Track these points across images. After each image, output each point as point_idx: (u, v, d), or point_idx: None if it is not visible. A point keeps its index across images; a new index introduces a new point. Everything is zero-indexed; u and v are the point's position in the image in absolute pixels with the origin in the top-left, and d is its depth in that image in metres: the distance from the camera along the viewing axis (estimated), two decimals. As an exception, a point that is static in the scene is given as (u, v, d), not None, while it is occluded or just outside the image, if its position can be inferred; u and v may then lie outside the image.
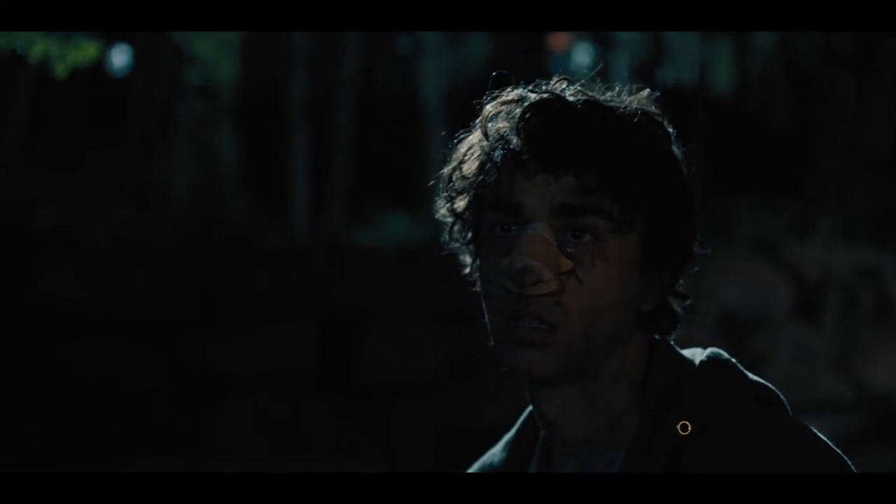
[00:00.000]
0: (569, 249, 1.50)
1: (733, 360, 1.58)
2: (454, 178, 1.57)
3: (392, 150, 12.40)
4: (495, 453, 1.68)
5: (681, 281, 1.60)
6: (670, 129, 1.59)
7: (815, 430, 1.47)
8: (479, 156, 1.54)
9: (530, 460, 1.64)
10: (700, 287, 10.56)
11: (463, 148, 1.57)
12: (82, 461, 7.97)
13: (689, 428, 1.46)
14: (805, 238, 12.05)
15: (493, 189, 1.51)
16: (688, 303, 1.61)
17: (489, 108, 1.57)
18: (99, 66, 13.54)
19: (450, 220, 1.58)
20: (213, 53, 12.23)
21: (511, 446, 1.66)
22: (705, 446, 1.45)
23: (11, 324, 9.09)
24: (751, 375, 1.56)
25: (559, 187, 1.49)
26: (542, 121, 1.51)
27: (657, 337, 1.60)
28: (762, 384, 1.54)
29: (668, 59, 14.08)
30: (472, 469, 1.68)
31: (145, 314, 9.61)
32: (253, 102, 12.86)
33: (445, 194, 1.58)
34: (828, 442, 1.46)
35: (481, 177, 1.53)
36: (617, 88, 1.60)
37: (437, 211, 1.59)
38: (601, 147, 1.50)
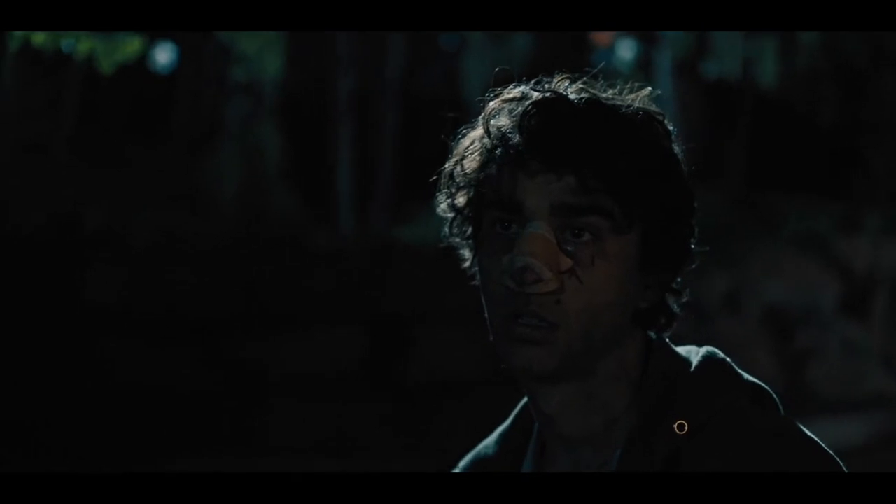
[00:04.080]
0: (569, 248, 1.49)
1: (728, 359, 1.58)
2: (455, 174, 1.56)
3: (436, 149, 12.42)
4: (489, 445, 1.69)
5: (679, 279, 1.59)
6: (671, 128, 1.57)
7: (808, 432, 1.48)
8: (480, 152, 1.54)
9: (524, 453, 1.64)
10: (746, 283, 10.51)
11: (465, 144, 1.56)
12: (129, 460, 8.03)
13: (686, 428, 1.48)
14: (853, 234, 11.98)
15: (494, 186, 1.51)
16: (684, 300, 1.60)
17: (492, 105, 1.56)
18: (143, 65, 13.60)
19: (450, 215, 1.58)
20: (258, 52, 12.74)
21: (505, 438, 1.67)
22: (703, 446, 1.47)
23: (60, 325, 9.17)
24: (745, 376, 1.57)
25: (560, 186, 1.48)
26: (543, 119, 1.51)
27: (654, 335, 1.59)
28: (757, 384, 1.56)
29: (712, 54, 14.02)
30: (466, 460, 1.70)
31: (192, 315, 9.67)
32: (298, 101, 12.98)
33: (446, 190, 1.57)
34: (820, 443, 1.48)
35: (482, 173, 1.53)
36: (619, 87, 1.56)
37: (438, 206, 1.59)
38: (602, 146, 1.49)
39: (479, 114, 1.56)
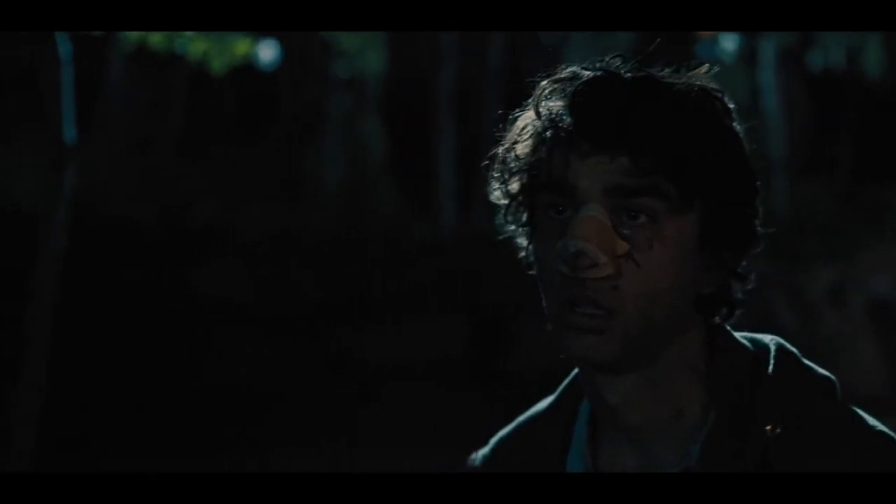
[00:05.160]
0: (625, 231, 1.44)
1: (795, 350, 1.53)
2: (508, 160, 1.50)
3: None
4: (533, 419, 1.63)
5: (744, 263, 1.52)
6: (730, 105, 1.51)
7: (877, 422, 1.45)
8: (532, 136, 1.48)
9: (571, 434, 1.58)
10: (851, 277, 10.40)
11: (516, 128, 1.51)
12: (240, 452, 8.16)
13: (777, 430, 1.44)
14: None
15: (546, 170, 1.46)
16: (749, 286, 1.54)
17: (543, 87, 1.50)
18: (248, 63, 13.69)
19: (504, 202, 1.52)
20: (360, 47, 12.40)
21: (550, 418, 1.60)
22: (793, 447, 1.43)
23: (172, 318, 9.34)
24: (817, 368, 1.52)
25: (613, 167, 1.43)
26: (595, 99, 1.45)
27: (716, 323, 1.53)
28: (827, 377, 1.52)
29: (816, 45, 13.87)
30: (509, 429, 1.65)
31: (297, 306, 9.79)
32: (399, 96, 12.96)
33: (499, 176, 1.51)
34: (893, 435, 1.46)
35: (534, 157, 1.47)
36: (675, 66, 1.50)
37: (491, 193, 1.53)
38: (656, 125, 1.43)
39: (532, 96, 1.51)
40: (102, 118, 11.62)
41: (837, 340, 10.26)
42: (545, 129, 1.47)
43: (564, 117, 1.45)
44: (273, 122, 13.42)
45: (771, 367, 1.49)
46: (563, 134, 1.45)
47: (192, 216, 10.57)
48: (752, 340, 1.53)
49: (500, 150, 1.51)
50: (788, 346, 1.53)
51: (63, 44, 4.34)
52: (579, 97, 1.46)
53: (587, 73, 1.48)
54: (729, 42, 14.21)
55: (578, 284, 1.43)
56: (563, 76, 1.49)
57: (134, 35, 4.35)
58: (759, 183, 1.51)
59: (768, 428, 1.43)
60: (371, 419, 8.94)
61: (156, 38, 4.32)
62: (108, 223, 9.73)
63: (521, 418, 1.63)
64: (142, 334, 9.09)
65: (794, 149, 13.88)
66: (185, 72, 11.76)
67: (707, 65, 1.51)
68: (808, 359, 1.53)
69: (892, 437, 1.45)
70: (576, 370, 1.57)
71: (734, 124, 1.49)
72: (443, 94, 12.72)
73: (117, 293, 9.33)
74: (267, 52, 13.70)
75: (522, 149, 1.49)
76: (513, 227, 1.53)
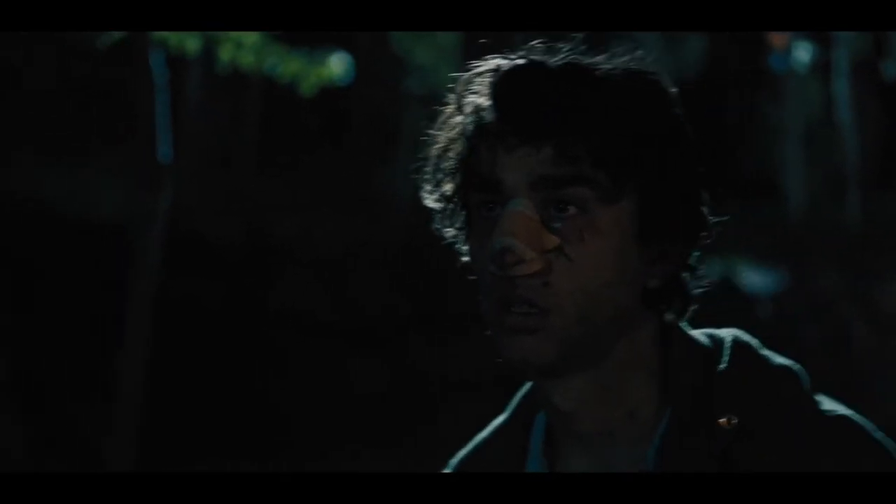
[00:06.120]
0: (555, 225, 1.37)
1: (754, 341, 1.46)
2: (438, 162, 1.43)
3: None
4: (487, 441, 1.55)
5: (695, 253, 1.45)
6: (669, 89, 1.43)
7: (855, 412, 1.41)
8: (459, 134, 1.41)
9: (527, 449, 1.51)
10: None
11: (441, 127, 1.43)
12: (314, 459, 8.27)
13: (734, 422, 1.38)
14: None
15: (475, 168, 1.40)
16: (702, 278, 1.46)
17: (464, 81, 1.42)
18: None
19: (439, 206, 1.45)
20: (433, 61, 12.59)
21: (505, 434, 1.53)
22: (754, 441, 1.38)
23: (248, 332, 9.48)
24: (777, 357, 1.45)
25: (539, 159, 1.36)
26: (516, 89, 1.39)
27: (669, 318, 1.45)
28: (790, 366, 1.44)
29: (891, 55, 13.79)
30: (460, 457, 1.57)
31: (377, 319, 9.88)
32: None
33: (431, 179, 1.44)
34: (871, 426, 1.40)
35: (463, 156, 1.41)
36: (609, 52, 1.44)
37: (425, 198, 1.45)
38: (580, 112, 1.37)
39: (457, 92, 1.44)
40: (185, 135, 11.82)
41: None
42: (471, 126, 1.40)
43: (488, 111, 1.39)
44: (347, 136, 13.56)
45: (725, 360, 1.43)
46: (488, 129, 1.39)
47: (268, 231, 10.72)
48: (709, 336, 1.47)
49: (428, 151, 1.44)
50: (746, 336, 1.47)
51: (158, 66, 4.48)
52: (501, 89, 1.39)
53: (508, 63, 1.41)
54: (802, 52, 14.18)
55: (509, 283, 1.37)
56: (484, 68, 1.42)
57: (226, 55, 4.47)
58: (702, 169, 1.43)
59: (723, 421, 1.38)
60: (447, 431, 8.99)
61: (248, 59, 4.44)
62: (191, 238, 9.89)
63: (479, 436, 1.56)
64: (222, 347, 9.23)
65: (868, 160, 13.81)
66: (261, 87, 11.93)
67: (640, 50, 1.44)
68: (770, 349, 1.46)
69: (850, 421, 1.39)
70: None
71: (672, 108, 1.42)
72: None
73: (202, 308, 9.48)
74: (339, 65, 13.96)
75: (450, 147, 1.43)
76: (451, 232, 1.46)
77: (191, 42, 4.60)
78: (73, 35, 8.71)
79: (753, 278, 12.15)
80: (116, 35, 4.78)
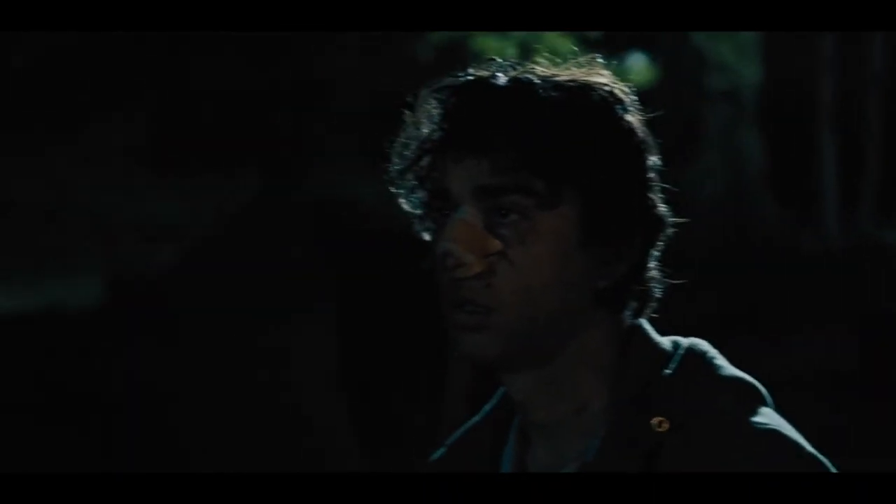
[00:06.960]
0: (499, 231, 1.44)
1: (711, 352, 1.50)
2: (406, 172, 1.51)
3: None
4: (476, 424, 1.60)
5: (654, 252, 1.49)
6: (620, 96, 1.47)
7: (791, 430, 1.44)
8: (419, 146, 1.50)
9: (508, 432, 1.56)
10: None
11: (407, 139, 1.51)
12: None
13: (665, 425, 1.43)
14: None
15: (431, 178, 1.49)
16: (659, 278, 1.50)
17: (423, 96, 1.50)
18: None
19: (417, 213, 1.53)
20: (736, 58, 12.03)
21: (491, 418, 1.58)
22: (682, 445, 1.42)
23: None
24: (729, 369, 1.48)
25: (480, 169, 1.44)
26: (462, 104, 1.47)
27: (632, 320, 1.50)
28: (739, 378, 1.48)
29: None
30: (462, 429, 1.61)
31: (679, 320, 11.37)
32: (776, 105, 12.48)
33: (403, 188, 1.52)
34: (804, 443, 1.42)
35: (423, 166, 1.49)
36: (568, 63, 1.48)
37: (402, 205, 1.54)
38: (515, 123, 1.44)
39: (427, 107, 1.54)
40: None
41: None
42: (428, 138, 1.48)
43: (438, 125, 1.48)
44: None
45: (672, 365, 1.48)
46: (439, 141, 1.47)
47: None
48: (673, 342, 1.52)
49: (397, 162, 1.52)
50: (704, 346, 1.51)
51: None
52: (449, 104, 1.47)
53: (459, 80, 1.49)
54: None
55: (455, 285, 1.45)
56: (441, 84, 1.50)
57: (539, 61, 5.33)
58: (650, 173, 1.48)
59: (654, 421, 1.43)
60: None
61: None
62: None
63: (473, 419, 1.62)
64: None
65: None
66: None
67: (598, 56, 1.50)
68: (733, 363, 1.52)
69: (779, 434, 1.43)
70: None
71: (616, 114, 1.47)
72: (823, 100, 12.28)
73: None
74: (637, 63, 9.86)
75: (414, 159, 1.50)
76: (427, 236, 1.55)
77: (508, 49, 4.50)
78: (386, 48, 8.64)
79: None
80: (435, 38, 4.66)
